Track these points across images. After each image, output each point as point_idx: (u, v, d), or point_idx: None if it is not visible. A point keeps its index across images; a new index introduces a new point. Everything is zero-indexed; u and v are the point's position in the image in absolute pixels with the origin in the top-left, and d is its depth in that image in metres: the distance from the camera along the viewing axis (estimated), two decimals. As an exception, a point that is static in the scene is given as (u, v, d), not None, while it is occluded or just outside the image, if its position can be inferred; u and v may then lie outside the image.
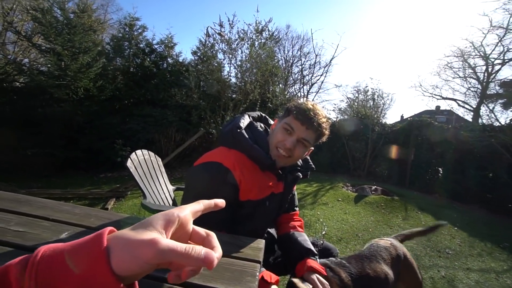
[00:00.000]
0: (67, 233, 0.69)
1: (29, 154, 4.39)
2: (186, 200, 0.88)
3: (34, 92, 4.72)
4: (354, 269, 1.05)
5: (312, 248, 0.99)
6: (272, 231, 1.14)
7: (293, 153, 0.89)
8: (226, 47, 6.13)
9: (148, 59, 6.77)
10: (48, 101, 4.73)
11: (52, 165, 4.72)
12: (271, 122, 1.09)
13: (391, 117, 33.05)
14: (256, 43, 6.12)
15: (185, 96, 6.13)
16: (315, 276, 0.88)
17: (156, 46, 7.12)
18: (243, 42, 6.00)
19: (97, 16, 7.89)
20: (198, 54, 7.40)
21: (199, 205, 0.39)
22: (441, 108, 23.96)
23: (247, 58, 6.15)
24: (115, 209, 3.24)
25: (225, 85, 6.31)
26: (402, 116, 25.47)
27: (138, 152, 1.84)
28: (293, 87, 15.31)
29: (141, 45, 6.93)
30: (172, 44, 7.40)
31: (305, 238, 1.03)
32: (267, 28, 6.17)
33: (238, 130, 0.90)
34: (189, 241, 0.36)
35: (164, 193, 1.93)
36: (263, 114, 1.10)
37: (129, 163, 1.64)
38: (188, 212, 0.35)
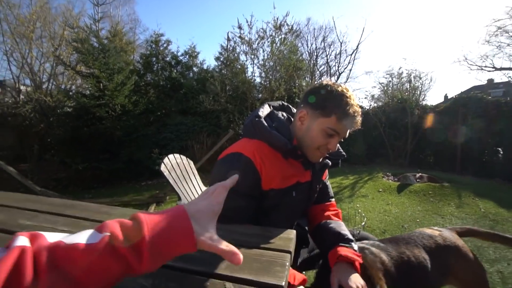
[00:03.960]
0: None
1: (80, 169, 4.86)
2: None
3: (80, 113, 5.24)
4: (394, 252, 0.95)
5: (346, 233, 0.89)
6: (303, 223, 1.08)
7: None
8: (247, 49, 6.17)
9: (175, 71, 7.11)
10: (92, 120, 5.20)
11: (99, 177, 5.18)
12: (294, 110, 1.04)
13: (433, 99, 30.00)
14: (277, 39, 6.07)
15: (213, 102, 6.29)
16: (348, 272, 0.78)
17: (181, 58, 7.44)
18: (263, 41, 5.98)
19: (127, 39, 8.53)
20: (221, 59, 7.58)
21: (224, 192, 0.47)
22: (495, 81, 20.98)
23: (269, 56, 6.12)
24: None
25: (250, 85, 6.35)
26: (446, 96, 23.14)
27: (170, 156, 1.92)
28: (320, 79, 14.85)
29: (167, 59, 7.30)
30: (195, 54, 7.67)
31: (338, 225, 0.94)
32: (285, 23, 6.07)
33: (257, 119, 0.87)
34: None
35: (198, 193, 1.98)
36: (285, 103, 1.05)
37: (162, 168, 1.71)
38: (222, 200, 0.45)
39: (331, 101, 0.82)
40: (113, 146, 5.40)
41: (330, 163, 0.97)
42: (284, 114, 0.99)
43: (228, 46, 7.25)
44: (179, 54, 7.45)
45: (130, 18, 15.69)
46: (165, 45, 7.40)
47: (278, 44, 6.06)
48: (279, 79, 6.10)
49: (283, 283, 0.49)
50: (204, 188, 2.17)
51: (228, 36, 7.25)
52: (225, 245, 0.39)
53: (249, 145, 0.84)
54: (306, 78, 8.77)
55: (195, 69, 7.61)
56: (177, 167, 1.91)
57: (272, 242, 0.65)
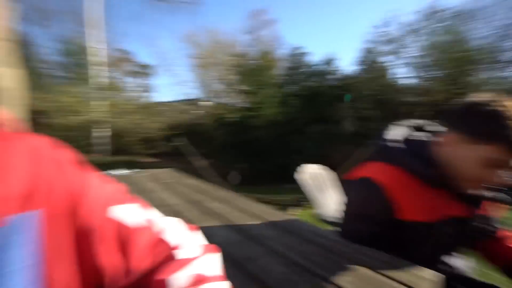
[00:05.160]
0: (257, 222, 0.95)
1: (238, 168, 6.10)
2: (343, 217, 0.90)
3: (238, 123, 6.61)
4: None
5: None
6: (457, 263, 0.87)
7: None
8: (392, 48, 5.47)
9: (313, 80, 7.44)
10: (247, 129, 6.41)
11: (251, 177, 6.27)
12: (439, 128, 0.86)
13: None
14: (433, 28, 4.97)
15: (353, 109, 6.05)
16: None
17: (318, 67, 7.69)
18: (413, 36, 5.10)
19: (272, 57, 9.89)
20: (361, 63, 7.15)
21: None
22: None
23: (422, 52, 5.13)
24: (295, 215, 3.73)
25: (397, 88, 5.57)
26: None
27: (309, 166, 2.06)
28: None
29: (306, 70, 7.75)
30: (333, 61, 7.68)
31: None
32: (442, 10, 4.86)
33: (390, 143, 0.80)
34: None
35: (335, 205, 2.00)
36: (429, 121, 0.90)
37: (300, 176, 1.89)
38: None
39: (489, 124, 0.65)
40: (262, 151, 6.40)
41: (500, 197, 0.75)
42: (426, 135, 0.85)
43: (369, 48, 6.73)
44: (317, 63, 7.74)
45: (273, 36, 18.11)
46: (304, 57, 7.92)
47: (434, 35, 4.95)
48: (438, 77, 4.96)
49: None
50: (339, 199, 2.17)
51: (369, 38, 6.73)
52: None
53: (383, 171, 0.79)
54: (484, 72, 6.54)
55: (333, 76, 7.61)
56: (315, 177, 2.03)
57: (402, 275, 0.61)
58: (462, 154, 0.71)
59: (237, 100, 10.34)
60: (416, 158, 0.76)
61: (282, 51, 8.45)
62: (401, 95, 5.77)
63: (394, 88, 5.57)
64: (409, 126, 0.88)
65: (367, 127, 5.81)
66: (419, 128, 0.90)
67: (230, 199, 1.35)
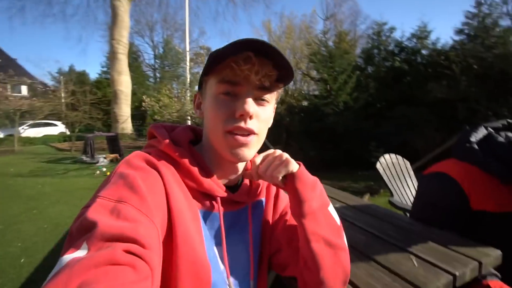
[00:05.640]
0: (337, 205, 1.13)
1: (311, 155, 6.19)
2: (416, 206, 0.98)
3: (311, 111, 6.60)
4: None
5: None
6: None
7: None
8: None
9: (398, 59, 6.63)
10: (320, 116, 6.36)
11: (323, 163, 6.26)
12: None
13: None
14: None
15: (447, 88, 5.19)
16: None
17: (406, 43, 6.78)
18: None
19: (349, 39, 9.20)
20: (466, 31, 5.94)
21: None
22: None
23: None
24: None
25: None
26: None
27: (387, 156, 2.05)
28: None
29: (390, 48, 6.96)
30: (426, 34, 6.61)
31: None
32: None
33: (468, 145, 0.84)
34: None
35: (412, 193, 1.95)
36: None
37: (378, 165, 1.92)
38: None
39: None
40: (336, 137, 6.27)
41: None
42: (510, 134, 0.85)
43: (480, 11, 5.50)
44: (404, 39, 6.83)
45: (351, 11, 16.46)
46: (388, 33, 7.11)
47: None
48: None
49: (457, 273, 0.60)
50: (414, 189, 2.09)
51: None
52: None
53: (457, 167, 0.85)
54: None
55: (424, 52, 6.60)
56: (392, 166, 2.01)
57: (467, 250, 0.71)
58: None
59: (313, 87, 10.21)
60: (492, 158, 0.82)
61: (362, 26, 7.78)
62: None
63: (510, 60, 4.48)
64: (493, 128, 0.90)
65: (469, 110, 4.92)
66: (505, 128, 0.90)
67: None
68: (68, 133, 11.96)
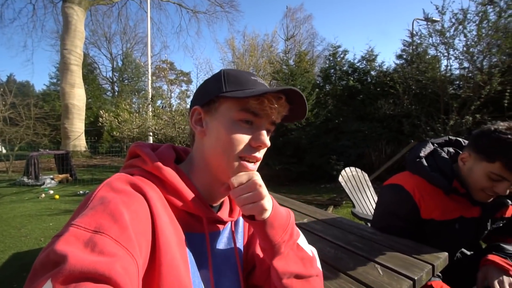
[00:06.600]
0: (306, 220, 1.17)
1: (277, 169, 6.32)
2: (376, 214, 1.08)
3: (276, 126, 6.79)
4: None
5: (508, 247, 0.88)
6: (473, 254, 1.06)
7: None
8: (439, 40, 5.16)
9: (352, 78, 7.30)
10: (284, 131, 6.59)
11: (289, 177, 6.44)
12: (465, 142, 1.03)
13: None
14: (492, 14, 4.58)
15: (393, 106, 5.84)
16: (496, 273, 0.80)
17: (357, 65, 7.52)
18: (461, 26, 4.75)
19: (308, 56, 9.88)
20: (404, 57, 6.85)
21: None
22: None
23: (474, 40, 4.75)
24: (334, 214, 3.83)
25: (445, 82, 5.24)
26: None
27: (347, 169, 2.21)
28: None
29: (344, 68, 7.63)
30: (373, 57, 7.44)
31: (504, 243, 0.93)
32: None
33: (418, 160, 0.98)
34: None
35: (371, 203, 2.12)
36: (453, 138, 1.06)
37: (340, 179, 2.05)
38: None
39: (496, 147, 0.80)
40: (299, 152, 6.53)
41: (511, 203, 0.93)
42: (451, 149, 1.01)
43: (413, 40, 6.39)
44: (355, 61, 7.58)
45: (308, 33, 18.02)
46: (342, 55, 7.81)
47: (491, 20, 4.55)
48: (492, 67, 4.57)
49: (416, 278, 0.67)
50: (376, 199, 2.27)
51: (412, 30, 6.41)
52: None
53: (411, 180, 0.98)
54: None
55: (373, 73, 7.39)
56: (352, 178, 2.17)
57: (420, 255, 0.80)
58: (472, 168, 0.90)
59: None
60: (437, 172, 0.94)
61: (318, 47, 8.43)
62: (451, 89, 5.40)
63: (442, 82, 5.24)
64: (437, 144, 1.05)
65: (411, 125, 5.57)
66: (446, 144, 1.06)
67: (276, 199, 1.58)
68: (4, 151, 10.47)
